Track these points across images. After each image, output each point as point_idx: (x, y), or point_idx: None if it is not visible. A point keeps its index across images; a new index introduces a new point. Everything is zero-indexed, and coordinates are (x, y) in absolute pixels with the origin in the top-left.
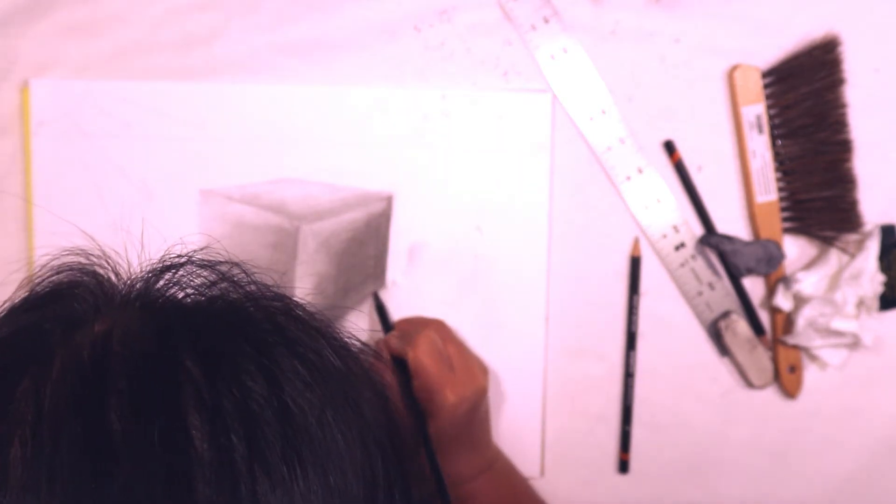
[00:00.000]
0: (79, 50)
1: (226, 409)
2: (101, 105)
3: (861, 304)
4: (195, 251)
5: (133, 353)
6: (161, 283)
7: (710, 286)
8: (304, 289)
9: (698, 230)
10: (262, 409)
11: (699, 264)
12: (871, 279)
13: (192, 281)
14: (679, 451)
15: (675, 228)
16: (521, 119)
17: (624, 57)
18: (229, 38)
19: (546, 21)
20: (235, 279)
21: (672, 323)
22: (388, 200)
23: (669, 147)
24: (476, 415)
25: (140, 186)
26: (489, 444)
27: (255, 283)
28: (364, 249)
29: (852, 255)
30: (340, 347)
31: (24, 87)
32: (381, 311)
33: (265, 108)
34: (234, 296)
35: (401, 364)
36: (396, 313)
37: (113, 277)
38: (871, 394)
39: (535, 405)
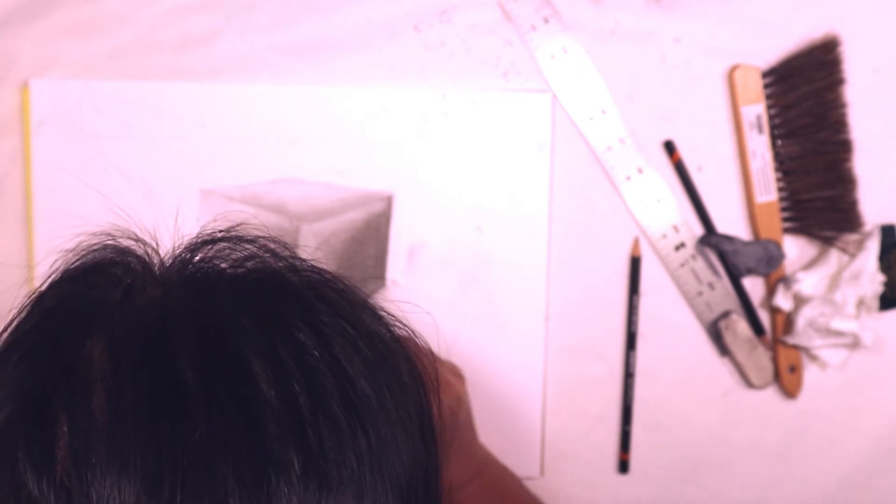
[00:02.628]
0: (79, 50)
1: (284, 359)
2: (101, 105)
3: (861, 304)
4: (232, 227)
5: (190, 312)
6: (199, 256)
7: (710, 286)
8: None
9: (698, 230)
10: (317, 361)
11: (699, 264)
12: (871, 279)
13: (230, 255)
14: (679, 451)
15: (675, 228)
16: (521, 119)
17: (624, 57)
18: (229, 38)
19: (546, 21)
20: (274, 252)
21: (672, 323)
22: (388, 200)
23: (669, 147)
24: (457, 422)
25: (140, 186)
26: (476, 449)
27: (294, 256)
28: (364, 249)
29: (852, 255)
30: (377, 317)
31: (24, 87)
32: None
33: (265, 108)
34: (275, 266)
35: None
36: (396, 313)
37: (151, 252)
38: (871, 394)
39: (535, 405)
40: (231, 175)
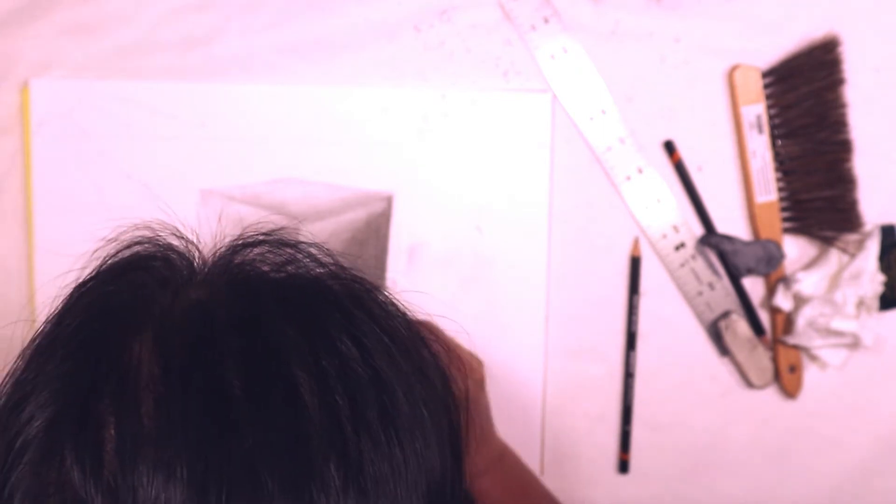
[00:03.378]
0: (79, 50)
1: (328, 370)
2: (101, 105)
3: (861, 304)
4: (274, 230)
5: (236, 319)
6: (240, 258)
7: (710, 286)
8: None
9: (698, 230)
10: (359, 374)
11: (699, 264)
12: (871, 279)
13: (271, 258)
14: (679, 451)
15: (675, 228)
16: (521, 119)
17: (624, 57)
18: (229, 38)
19: (546, 21)
20: (315, 258)
21: (672, 323)
22: (388, 200)
23: (669, 147)
24: (478, 407)
25: (140, 186)
26: (495, 436)
27: (334, 262)
28: (364, 249)
29: (852, 255)
30: (413, 329)
31: (24, 87)
32: None
33: (265, 108)
34: (315, 273)
35: None
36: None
37: (193, 250)
38: (871, 394)
39: (535, 405)
40: (231, 175)
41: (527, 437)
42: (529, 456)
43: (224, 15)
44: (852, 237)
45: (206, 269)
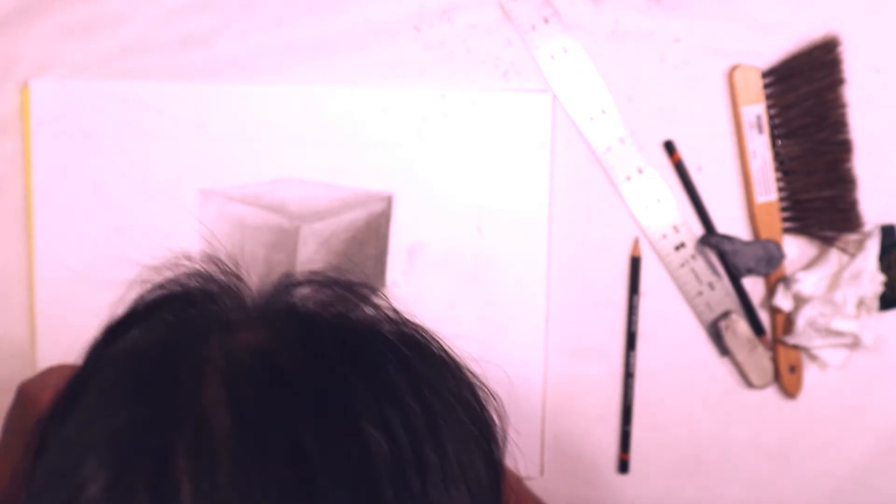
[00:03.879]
0: (79, 50)
1: (395, 427)
2: (101, 105)
3: (861, 304)
4: (320, 270)
5: (302, 368)
6: (291, 297)
7: (710, 286)
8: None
9: (698, 230)
10: (422, 430)
11: (699, 264)
12: (871, 279)
13: (321, 297)
14: (679, 451)
15: (675, 228)
16: (521, 119)
17: (624, 57)
18: (229, 38)
19: (546, 21)
20: (366, 297)
21: (672, 323)
22: (388, 200)
23: (669, 147)
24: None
25: (140, 186)
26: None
27: (388, 305)
28: (364, 249)
29: (852, 255)
30: (465, 379)
31: (24, 87)
32: None
33: (265, 108)
34: (367, 314)
35: None
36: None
37: (239, 285)
38: (871, 394)
39: (535, 405)
40: (231, 175)
41: (527, 437)
42: (529, 456)
43: (224, 15)
44: (852, 237)
45: (258, 308)
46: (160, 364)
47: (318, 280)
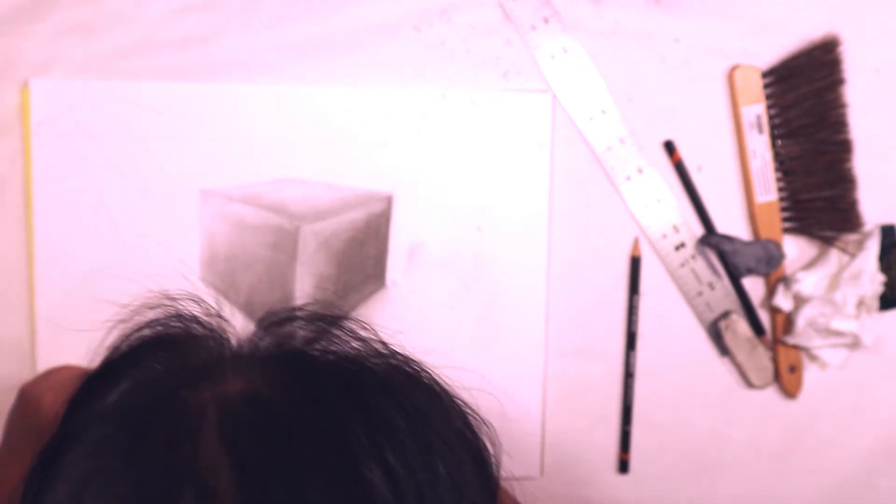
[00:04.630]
0: (79, 50)
1: (394, 465)
2: (101, 105)
3: (861, 304)
4: (305, 304)
5: (298, 414)
6: (277, 337)
7: (710, 286)
8: (304, 289)
9: (698, 230)
10: (416, 462)
11: (699, 264)
12: (871, 279)
13: (307, 334)
14: (679, 451)
15: (675, 228)
16: (521, 119)
17: (624, 57)
18: (229, 38)
19: (546, 21)
20: (352, 332)
21: (672, 323)
22: (388, 200)
23: (669, 147)
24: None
25: (140, 186)
26: None
27: (376, 338)
28: (364, 249)
29: (852, 255)
30: (459, 411)
31: (24, 87)
32: None
33: (265, 108)
34: (354, 349)
35: None
36: (397, 313)
37: (223, 325)
38: (871, 394)
39: (535, 405)
40: (231, 175)
41: (527, 437)
42: (529, 456)
43: (224, 15)
44: (852, 237)
45: (245, 351)
46: (152, 423)
47: (303, 316)
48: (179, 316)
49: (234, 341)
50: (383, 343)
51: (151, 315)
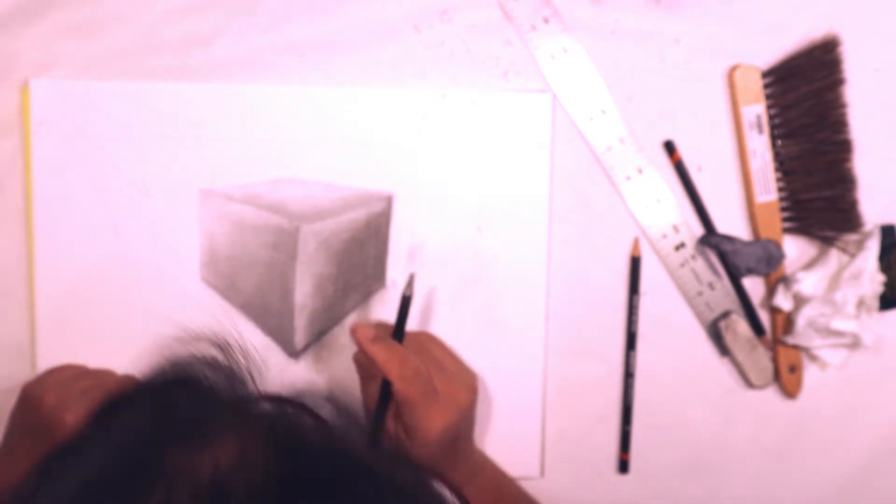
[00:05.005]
0: (79, 50)
1: None
2: (101, 105)
3: (861, 304)
4: (301, 392)
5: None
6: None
7: (710, 286)
8: (304, 289)
9: (698, 230)
10: None
11: (699, 264)
12: (871, 279)
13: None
14: (679, 451)
15: (675, 228)
16: (521, 119)
17: (624, 57)
18: (229, 38)
19: (546, 21)
20: (310, 410)
21: (672, 323)
22: (388, 200)
23: (669, 147)
24: (460, 430)
25: (140, 186)
26: (474, 451)
27: (360, 427)
28: (364, 249)
29: (852, 255)
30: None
31: (24, 87)
32: (402, 316)
33: (265, 108)
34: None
35: (385, 383)
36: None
37: (240, 377)
38: (871, 394)
39: (535, 405)
40: (231, 175)
41: (527, 438)
42: (529, 456)
43: (224, 15)
44: (852, 237)
45: (245, 414)
46: (133, 483)
47: (275, 399)
48: (194, 361)
49: (247, 392)
50: (366, 430)
51: (174, 354)
